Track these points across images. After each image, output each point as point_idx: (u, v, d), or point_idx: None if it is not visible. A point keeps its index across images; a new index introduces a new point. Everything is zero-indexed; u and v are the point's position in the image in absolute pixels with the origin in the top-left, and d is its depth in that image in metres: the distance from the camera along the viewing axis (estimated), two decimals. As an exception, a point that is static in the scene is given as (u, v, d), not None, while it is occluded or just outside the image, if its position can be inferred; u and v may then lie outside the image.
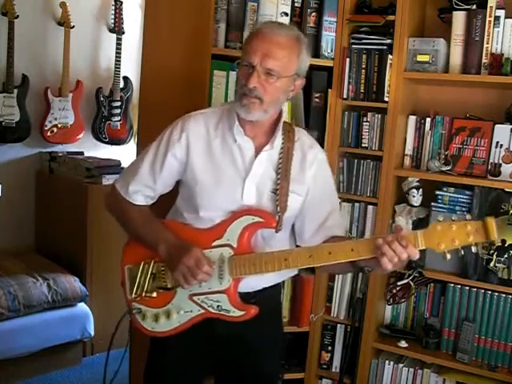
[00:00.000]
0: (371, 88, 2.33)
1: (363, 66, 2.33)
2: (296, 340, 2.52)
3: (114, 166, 3.45)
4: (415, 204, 2.30)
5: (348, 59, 2.33)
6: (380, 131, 2.34)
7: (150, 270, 1.67)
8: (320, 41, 2.32)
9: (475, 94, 2.34)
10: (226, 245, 1.60)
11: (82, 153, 3.73)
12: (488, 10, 2.12)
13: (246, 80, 1.53)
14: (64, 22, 3.53)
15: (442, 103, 2.37)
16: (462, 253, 1.44)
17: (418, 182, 2.30)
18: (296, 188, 1.65)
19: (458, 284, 2.27)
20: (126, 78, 3.85)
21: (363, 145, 2.38)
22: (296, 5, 2.30)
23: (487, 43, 2.13)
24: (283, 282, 2.42)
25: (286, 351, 2.42)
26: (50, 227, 3.57)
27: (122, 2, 3.77)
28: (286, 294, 2.48)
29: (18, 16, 3.29)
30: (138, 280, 1.68)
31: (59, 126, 3.58)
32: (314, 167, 1.68)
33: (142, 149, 1.78)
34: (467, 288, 2.27)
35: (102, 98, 3.76)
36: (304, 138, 1.72)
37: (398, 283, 2.35)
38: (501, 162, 2.16)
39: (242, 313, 1.61)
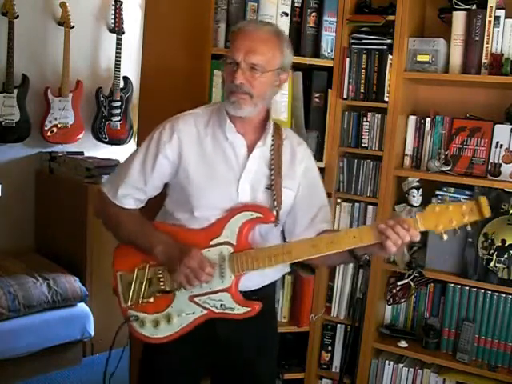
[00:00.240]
0: (371, 88, 2.33)
1: (363, 66, 2.33)
2: (296, 340, 2.52)
3: (113, 166, 3.43)
4: (415, 204, 2.30)
5: (348, 59, 2.33)
6: (380, 131, 2.34)
7: (146, 275, 1.65)
8: (320, 41, 2.32)
9: (475, 93, 2.34)
10: (225, 242, 1.60)
11: (82, 153, 3.73)
12: (488, 9, 2.11)
13: (232, 77, 1.57)
14: (64, 22, 3.53)
15: (442, 103, 2.37)
16: (458, 232, 1.51)
17: (417, 181, 2.30)
18: (288, 183, 1.68)
19: (458, 284, 2.27)
20: (125, 78, 3.85)
21: (363, 145, 2.38)
22: (296, 5, 2.30)
23: (487, 43, 2.13)
24: (283, 282, 2.45)
25: (286, 351, 2.42)
26: (50, 227, 3.57)
27: (121, 2, 3.78)
28: (286, 294, 2.48)
29: (18, 16, 3.29)
30: (132, 287, 1.65)
31: (59, 126, 3.58)
32: (304, 163, 1.74)
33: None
34: (467, 288, 2.27)
35: (101, 98, 3.77)
36: (291, 136, 1.78)
37: (398, 283, 2.36)
38: (501, 162, 2.16)
39: (247, 309, 1.61)
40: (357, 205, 2.42)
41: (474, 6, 2.15)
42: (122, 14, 3.79)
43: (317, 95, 2.38)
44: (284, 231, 1.77)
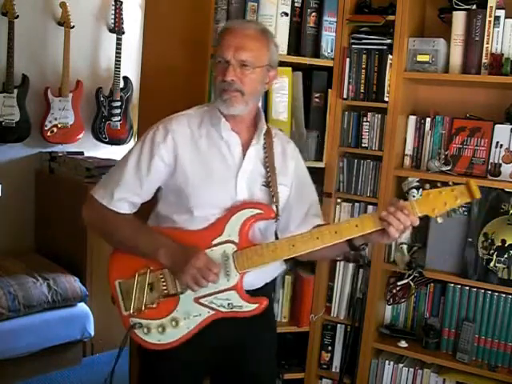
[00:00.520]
0: (371, 88, 2.33)
1: (363, 66, 2.33)
2: (296, 340, 2.52)
3: (114, 166, 3.44)
4: (415, 204, 2.30)
5: (348, 59, 2.33)
6: (380, 131, 2.34)
7: (147, 280, 1.62)
8: (320, 41, 2.32)
9: (475, 93, 2.34)
10: (228, 241, 1.60)
11: (82, 153, 3.74)
12: (488, 9, 2.11)
13: (223, 75, 1.59)
14: (64, 22, 3.53)
15: (442, 103, 2.37)
16: (452, 215, 1.62)
17: (417, 181, 2.30)
18: (282, 180, 1.71)
19: (458, 284, 2.27)
20: (125, 78, 3.85)
21: (363, 145, 2.38)
22: (296, 5, 2.30)
23: (487, 43, 2.13)
24: (283, 282, 2.45)
25: (286, 351, 2.42)
26: (50, 227, 3.57)
27: (121, 2, 3.78)
28: (286, 294, 2.48)
29: (18, 16, 3.29)
30: (134, 294, 1.62)
31: (59, 126, 3.58)
32: (294, 160, 1.79)
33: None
34: (467, 288, 2.26)
35: (101, 98, 3.77)
36: (280, 134, 1.82)
37: (398, 283, 2.35)
38: (501, 162, 2.16)
39: (255, 305, 1.61)
40: (357, 205, 2.42)
41: (474, 6, 2.15)
42: (122, 14, 3.79)
43: (317, 95, 2.38)
44: (277, 229, 1.78)
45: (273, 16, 2.25)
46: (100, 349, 3.33)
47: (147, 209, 1.75)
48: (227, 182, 1.65)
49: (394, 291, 2.38)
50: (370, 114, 2.36)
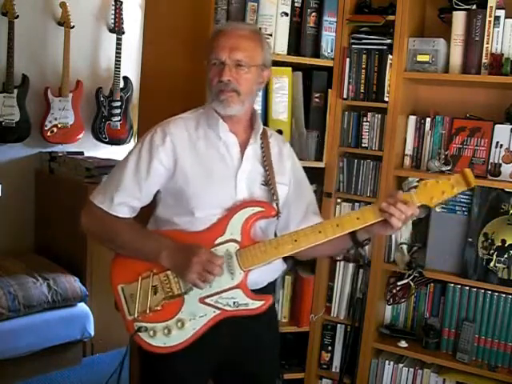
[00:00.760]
0: (371, 88, 2.33)
1: (363, 66, 2.33)
2: (296, 340, 2.52)
3: (113, 166, 3.43)
4: (415, 204, 2.30)
5: (348, 59, 2.33)
6: (380, 131, 2.34)
7: (150, 283, 1.62)
8: (320, 41, 2.32)
9: (475, 93, 2.34)
10: (230, 240, 1.60)
11: (82, 153, 3.74)
12: (488, 9, 2.11)
13: (219, 75, 1.60)
14: (64, 22, 3.53)
15: (442, 103, 2.37)
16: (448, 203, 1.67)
17: (417, 181, 2.30)
18: (280, 179, 1.73)
19: (458, 284, 2.27)
20: (125, 78, 3.85)
21: (363, 145, 2.38)
22: (296, 5, 2.30)
23: (487, 43, 2.13)
24: (283, 282, 2.45)
25: (286, 351, 2.42)
26: (50, 227, 3.57)
27: (121, 2, 3.78)
28: (286, 294, 2.48)
29: (18, 16, 3.29)
30: (137, 297, 1.62)
31: (59, 126, 3.58)
32: (291, 159, 1.82)
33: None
34: (467, 288, 2.26)
35: (102, 98, 3.77)
36: (276, 135, 1.85)
37: (398, 283, 2.35)
38: (501, 162, 2.16)
39: (261, 302, 1.61)
40: (357, 205, 2.42)
41: (474, 6, 2.15)
42: (122, 14, 3.79)
43: (317, 95, 2.38)
44: (276, 229, 1.79)
45: (273, 16, 2.26)
46: (100, 349, 3.33)
47: (146, 214, 1.75)
48: (227, 181, 1.65)
49: (394, 291, 2.38)
50: (370, 114, 2.36)
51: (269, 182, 1.69)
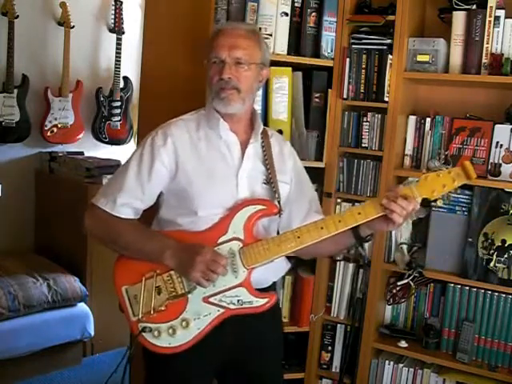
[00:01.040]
0: (371, 88, 2.33)
1: (363, 66, 2.33)
2: (296, 340, 2.52)
3: (113, 166, 3.44)
4: (415, 204, 2.30)
5: (348, 59, 2.33)
6: (380, 131, 2.34)
7: (154, 283, 1.62)
8: (320, 41, 2.32)
9: (475, 93, 2.34)
10: (233, 238, 1.61)
11: (82, 153, 3.74)
12: (488, 9, 2.11)
13: (220, 73, 1.62)
14: (64, 22, 3.53)
15: (442, 103, 2.37)
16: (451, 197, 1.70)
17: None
18: (282, 177, 1.74)
19: (458, 284, 2.27)
20: (125, 78, 3.85)
21: (363, 145, 2.38)
22: (296, 5, 2.30)
23: (487, 43, 2.13)
24: (283, 282, 2.45)
25: (286, 351, 2.42)
26: (50, 227, 3.57)
27: (122, 2, 3.78)
28: (286, 294, 2.48)
29: (18, 16, 3.29)
30: (141, 298, 1.62)
31: (59, 126, 3.58)
32: (292, 158, 1.83)
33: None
34: (467, 288, 2.26)
35: (102, 98, 3.77)
36: (276, 134, 1.87)
37: (398, 283, 2.36)
38: (501, 162, 2.16)
39: (266, 300, 1.62)
40: (357, 205, 2.39)
41: (474, 6, 2.15)
42: (122, 14, 3.79)
43: (317, 95, 2.38)
44: (279, 228, 1.79)
45: (273, 16, 2.25)
46: (100, 349, 3.33)
47: (150, 216, 1.75)
48: (228, 181, 1.66)
49: (394, 291, 2.38)
50: (370, 114, 2.36)
51: (270, 181, 1.70)
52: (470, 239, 2.20)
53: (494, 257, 2.17)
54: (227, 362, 1.74)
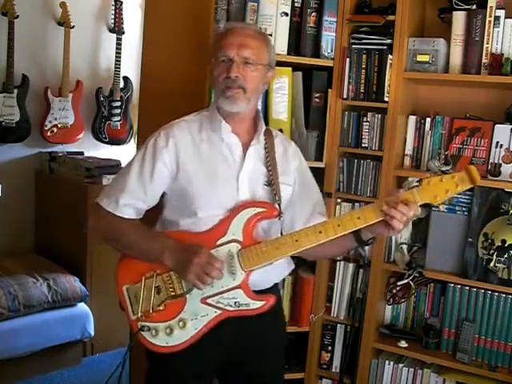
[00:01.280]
0: (371, 88, 2.33)
1: (363, 66, 2.33)
2: (296, 340, 2.52)
3: (114, 166, 3.45)
4: (415, 204, 2.30)
5: (348, 59, 2.33)
6: (380, 131, 2.34)
7: (153, 283, 1.63)
8: (320, 41, 2.32)
9: (475, 93, 2.34)
10: (232, 240, 1.61)
11: (82, 153, 3.74)
12: (488, 9, 2.11)
13: (227, 72, 1.62)
14: (64, 22, 3.54)
15: (442, 103, 2.37)
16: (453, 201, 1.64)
17: (418, 181, 2.30)
18: (284, 179, 1.73)
19: (458, 284, 2.27)
20: (125, 78, 3.85)
21: (363, 145, 2.38)
22: (296, 5, 2.30)
23: (487, 43, 2.13)
24: (283, 282, 2.45)
25: (286, 351, 2.42)
26: (50, 227, 3.57)
27: (122, 2, 3.78)
28: (286, 294, 2.48)
29: (18, 16, 3.29)
30: (141, 297, 1.64)
31: (59, 126, 3.58)
32: (297, 159, 1.82)
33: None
34: (467, 288, 2.26)
35: (102, 98, 3.77)
36: (281, 135, 1.86)
37: (398, 283, 2.36)
38: (501, 162, 2.16)
39: (262, 303, 1.61)
40: (357, 205, 2.41)
41: (474, 6, 2.15)
42: (122, 14, 3.79)
43: (317, 95, 2.38)
44: (282, 229, 1.79)
45: (273, 16, 2.25)
46: (100, 349, 3.33)
47: (154, 216, 1.76)
48: (229, 182, 1.66)
49: (394, 291, 2.38)
50: (369, 114, 2.36)
51: (272, 183, 1.69)
52: (470, 239, 2.20)
53: (494, 257, 2.17)
54: (226, 362, 1.74)
